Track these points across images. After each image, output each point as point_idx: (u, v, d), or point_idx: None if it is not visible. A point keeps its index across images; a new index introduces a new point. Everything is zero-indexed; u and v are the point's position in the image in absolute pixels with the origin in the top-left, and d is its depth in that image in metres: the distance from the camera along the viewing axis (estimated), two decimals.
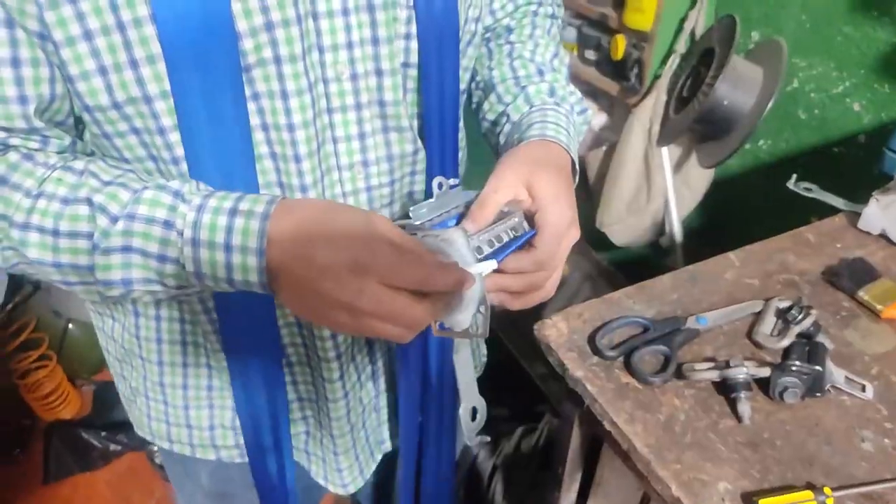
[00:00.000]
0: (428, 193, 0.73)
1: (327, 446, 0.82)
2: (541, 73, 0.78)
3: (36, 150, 0.57)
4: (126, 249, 0.53)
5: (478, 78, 0.82)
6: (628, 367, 0.78)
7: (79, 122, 0.60)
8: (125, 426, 1.85)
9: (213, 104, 0.55)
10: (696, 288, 0.89)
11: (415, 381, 0.86)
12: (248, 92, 0.57)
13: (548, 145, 0.68)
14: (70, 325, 1.96)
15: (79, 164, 0.56)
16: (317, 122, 0.61)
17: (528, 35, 0.82)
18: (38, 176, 0.55)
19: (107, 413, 1.87)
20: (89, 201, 0.53)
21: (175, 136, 0.57)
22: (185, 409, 0.78)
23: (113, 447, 1.82)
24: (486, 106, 0.79)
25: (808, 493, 0.65)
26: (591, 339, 0.81)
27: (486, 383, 1.11)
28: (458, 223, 0.63)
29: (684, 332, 0.81)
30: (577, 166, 0.71)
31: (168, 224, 0.52)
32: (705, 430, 0.72)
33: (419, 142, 0.70)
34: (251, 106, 0.58)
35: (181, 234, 0.52)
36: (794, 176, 1.05)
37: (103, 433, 1.83)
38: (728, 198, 1.66)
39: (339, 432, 0.79)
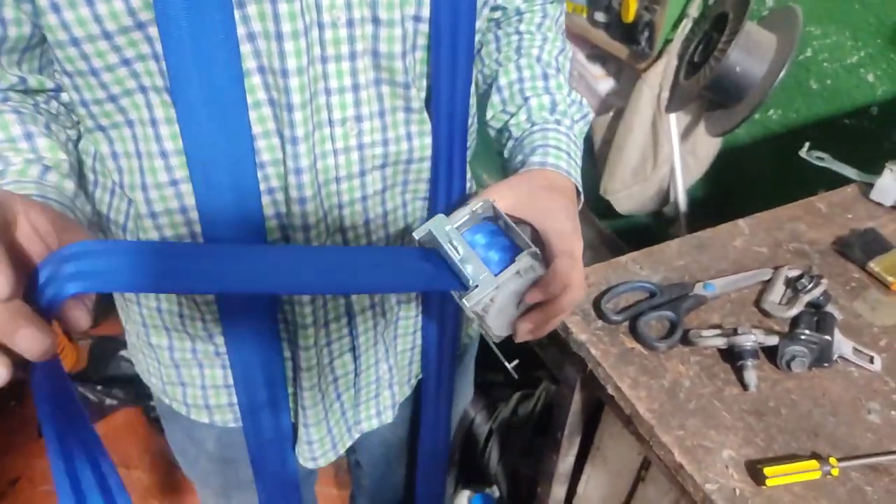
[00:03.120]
0: (434, 161, 0.71)
1: (298, 417, 0.80)
2: (546, 77, 0.75)
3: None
4: None
5: (485, 69, 0.79)
6: (633, 331, 0.77)
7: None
8: (121, 381, 1.85)
9: (201, 38, 0.53)
10: (703, 254, 0.87)
11: (412, 343, 0.85)
12: (243, 31, 0.54)
13: (549, 174, 0.67)
14: None
15: None
16: (310, 69, 0.58)
17: (538, 25, 0.79)
18: None
19: (103, 368, 1.87)
20: None
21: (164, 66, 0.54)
22: (175, 367, 0.77)
23: (109, 402, 1.82)
24: (490, 110, 0.77)
25: (814, 463, 0.64)
26: (596, 303, 0.79)
27: (483, 350, 1.11)
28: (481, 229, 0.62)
29: (691, 299, 0.80)
30: (580, 189, 0.70)
31: None
32: (710, 397, 0.71)
33: (419, 102, 0.66)
34: (247, 47, 0.55)
35: None
36: (807, 144, 1.03)
37: (99, 387, 1.82)
38: (735, 168, 1.64)
39: (311, 402, 0.77)
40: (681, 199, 1.58)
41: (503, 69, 0.76)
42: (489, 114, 0.77)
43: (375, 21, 0.60)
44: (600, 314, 0.78)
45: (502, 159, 0.77)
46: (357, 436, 0.86)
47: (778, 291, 0.81)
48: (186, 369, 0.76)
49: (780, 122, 1.51)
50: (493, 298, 0.59)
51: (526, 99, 0.74)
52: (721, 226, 0.92)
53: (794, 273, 0.82)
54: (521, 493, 1.35)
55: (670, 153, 1.54)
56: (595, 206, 1.76)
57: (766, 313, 0.79)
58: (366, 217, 0.69)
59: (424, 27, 0.63)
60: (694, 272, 0.85)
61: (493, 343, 0.65)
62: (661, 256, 0.87)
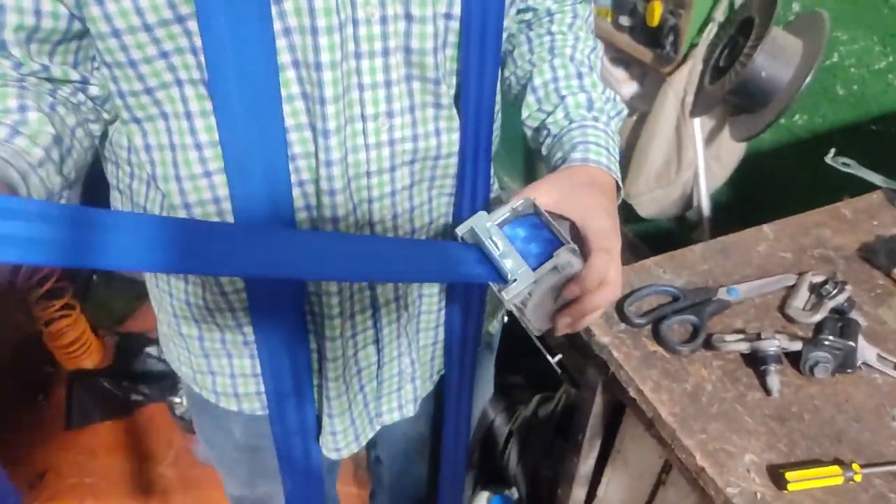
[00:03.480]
0: (461, 157, 0.72)
1: (323, 408, 0.81)
2: (580, 76, 0.76)
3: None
4: None
5: (518, 70, 0.80)
6: (656, 335, 0.77)
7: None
8: (147, 377, 1.88)
9: (239, 32, 0.54)
10: (727, 259, 0.87)
11: (434, 339, 0.86)
12: (279, 26, 0.56)
13: (591, 170, 0.68)
14: (94, 277, 1.98)
15: None
16: (343, 64, 0.60)
17: (569, 26, 0.80)
18: None
19: (129, 364, 1.90)
20: None
21: (203, 60, 0.56)
22: (204, 357, 0.78)
23: (134, 397, 1.85)
24: (525, 110, 0.77)
25: (836, 469, 0.64)
26: (619, 307, 0.80)
27: (503, 352, 1.12)
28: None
29: (714, 303, 0.80)
30: (621, 184, 0.71)
31: None
32: (732, 402, 0.71)
33: (448, 98, 0.68)
34: (282, 42, 0.57)
35: None
36: (833, 150, 1.03)
37: (125, 383, 1.85)
38: (759, 173, 1.63)
39: (336, 393, 0.78)
40: (704, 203, 1.57)
41: (537, 69, 0.76)
42: (525, 113, 0.77)
43: (408, 18, 0.61)
44: (623, 317, 0.79)
45: (540, 157, 0.77)
46: (378, 428, 0.87)
47: (802, 297, 0.81)
48: (216, 359, 0.78)
49: (805, 128, 1.51)
50: (530, 293, 0.60)
51: (562, 98, 0.74)
52: (745, 231, 0.92)
53: (819, 279, 0.81)
54: (541, 495, 1.35)
55: (694, 158, 1.54)
56: (618, 210, 1.76)
57: (789, 319, 0.79)
58: (394, 212, 0.70)
59: (455, 25, 0.64)
60: (717, 277, 0.85)
61: (534, 336, 0.66)
62: (685, 260, 0.87)
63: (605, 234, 0.63)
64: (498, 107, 0.77)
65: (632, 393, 0.74)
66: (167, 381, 1.82)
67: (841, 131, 1.43)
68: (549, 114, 0.75)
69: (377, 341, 0.79)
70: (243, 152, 0.60)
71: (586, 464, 0.93)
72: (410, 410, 0.88)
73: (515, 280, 0.58)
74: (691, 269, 0.86)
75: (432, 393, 0.96)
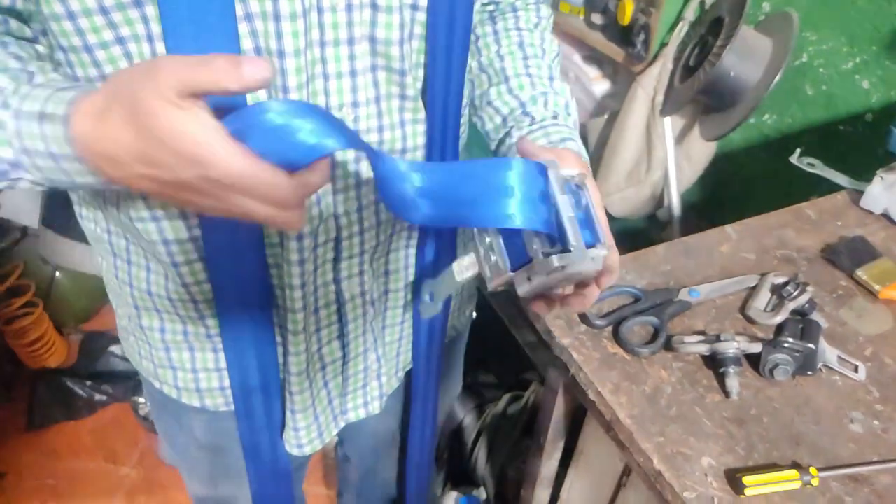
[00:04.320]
0: (427, 150, 0.70)
1: (286, 403, 0.80)
2: (551, 78, 0.77)
3: None
4: None
5: (482, 59, 0.79)
6: (616, 336, 0.76)
7: None
8: (111, 377, 1.84)
9: (200, 19, 0.52)
10: (690, 260, 0.87)
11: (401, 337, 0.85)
12: (241, 11, 0.54)
13: (583, 164, 0.65)
14: (57, 274, 1.94)
15: None
16: (308, 52, 0.58)
17: (535, 25, 0.80)
18: None
19: (93, 363, 1.86)
20: None
21: (160, 47, 0.54)
22: (165, 350, 0.76)
23: (98, 397, 1.81)
24: (493, 91, 0.77)
25: (794, 473, 0.63)
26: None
27: (475, 350, 1.11)
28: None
29: (675, 304, 0.79)
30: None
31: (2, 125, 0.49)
32: (691, 404, 0.71)
33: (414, 90, 0.67)
34: (244, 27, 0.55)
35: (11, 143, 0.48)
36: (798, 150, 1.03)
37: (88, 383, 1.82)
38: (729, 173, 1.64)
39: (298, 388, 0.77)
40: (675, 202, 1.57)
41: (510, 61, 0.76)
42: (493, 95, 0.76)
43: (374, 6, 0.60)
44: (584, 319, 0.78)
45: (503, 137, 0.75)
46: (343, 425, 0.86)
47: (763, 298, 0.80)
48: (177, 352, 0.76)
49: (774, 128, 1.51)
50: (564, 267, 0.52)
51: (543, 94, 0.74)
52: (708, 231, 0.91)
53: (781, 280, 0.81)
54: (508, 496, 1.34)
55: (664, 157, 1.54)
56: None
57: (750, 320, 0.79)
58: (358, 204, 0.69)
59: (422, 16, 0.63)
60: (680, 278, 0.84)
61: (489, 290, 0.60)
62: (648, 261, 0.86)
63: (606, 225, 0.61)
64: (466, 100, 0.76)
65: (591, 395, 0.73)
66: (131, 381, 1.79)
67: (810, 131, 1.43)
68: (526, 102, 0.74)
69: (342, 336, 0.78)
70: None
71: (549, 465, 0.92)
72: (376, 408, 0.87)
73: (570, 251, 0.50)
74: (654, 269, 0.85)
75: (400, 390, 0.95)
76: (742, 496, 0.62)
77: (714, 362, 0.73)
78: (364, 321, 0.78)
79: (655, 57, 1.51)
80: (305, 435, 0.81)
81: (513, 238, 0.52)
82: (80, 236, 1.96)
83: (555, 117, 0.73)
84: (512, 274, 0.52)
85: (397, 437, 1.09)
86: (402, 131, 0.68)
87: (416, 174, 0.52)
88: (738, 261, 0.87)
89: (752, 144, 1.58)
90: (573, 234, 0.51)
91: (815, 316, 0.78)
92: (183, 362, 0.77)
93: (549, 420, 0.85)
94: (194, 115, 0.42)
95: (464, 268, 0.57)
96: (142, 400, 1.63)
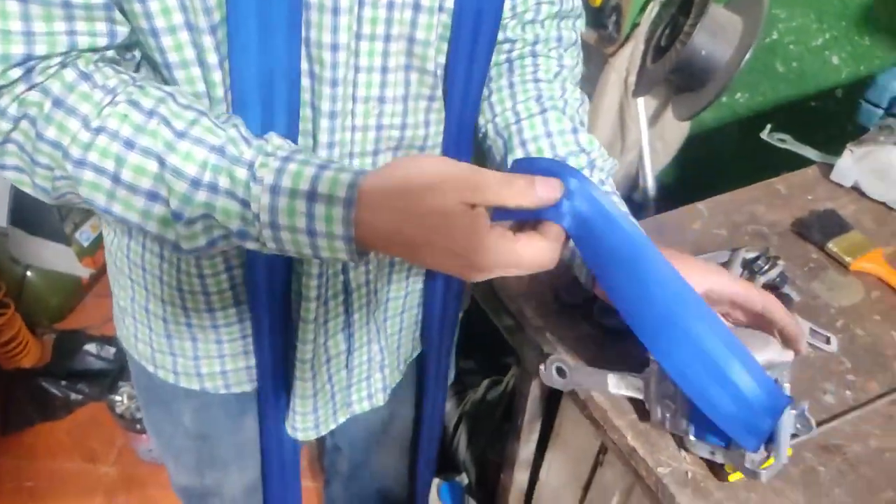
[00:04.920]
0: (444, 147, 0.71)
1: (290, 386, 0.80)
2: (574, 131, 0.72)
3: (102, 49, 0.54)
4: (207, 218, 0.52)
5: (497, 119, 0.74)
6: (591, 315, 0.76)
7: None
8: (86, 376, 1.82)
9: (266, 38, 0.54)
10: (662, 238, 0.86)
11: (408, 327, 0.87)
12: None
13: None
14: (28, 273, 1.91)
15: (147, 103, 0.52)
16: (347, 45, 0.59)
17: (556, 74, 0.75)
18: (96, 102, 0.51)
19: (68, 362, 1.83)
20: (161, 160, 0.51)
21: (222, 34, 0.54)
22: (167, 338, 0.76)
23: (74, 397, 1.79)
24: (511, 158, 0.73)
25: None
26: (555, 288, 0.78)
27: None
28: None
29: None
30: None
31: (245, 203, 0.51)
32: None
33: (439, 90, 0.67)
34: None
35: (258, 217, 0.51)
36: (769, 126, 1.03)
37: (64, 382, 1.79)
38: (704, 152, 1.64)
39: (301, 376, 0.77)
40: (650, 183, 1.57)
41: (527, 122, 0.72)
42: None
43: (416, 7, 0.60)
44: (557, 298, 0.77)
45: None
46: (343, 419, 0.86)
47: (735, 273, 0.80)
48: (179, 341, 0.76)
49: (746, 106, 1.52)
50: None
51: (564, 159, 0.71)
52: (680, 208, 0.91)
53: (752, 255, 0.81)
54: (489, 481, 1.34)
55: (638, 137, 1.53)
56: None
57: None
58: None
59: (445, 17, 0.62)
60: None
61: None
62: None
63: (740, 290, 0.64)
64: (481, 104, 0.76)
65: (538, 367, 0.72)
66: (107, 380, 1.76)
67: (781, 108, 1.44)
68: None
69: (347, 327, 0.78)
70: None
71: (527, 448, 0.92)
72: (380, 399, 0.87)
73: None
74: None
75: (402, 381, 0.94)
76: (725, 482, 0.62)
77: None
78: (367, 311, 0.78)
79: (627, 38, 1.50)
80: (301, 421, 0.81)
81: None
82: (51, 234, 1.93)
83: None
84: (692, 437, 0.61)
85: (391, 430, 1.09)
86: (425, 130, 0.69)
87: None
88: (709, 237, 0.87)
89: (725, 123, 1.58)
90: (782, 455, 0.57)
91: (787, 289, 0.78)
92: (184, 350, 0.77)
93: (525, 402, 0.85)
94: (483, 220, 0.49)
95: (616, 384, 0.65)
96: (118, 398, 1.61)
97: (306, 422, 0.82)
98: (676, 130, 1.58)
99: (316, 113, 0.61)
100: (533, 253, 0.50)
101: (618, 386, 0.65)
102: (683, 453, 0.64)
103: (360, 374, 0.84)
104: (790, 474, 0.63)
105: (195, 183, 0.51)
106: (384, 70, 0.62)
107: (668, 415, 0.62)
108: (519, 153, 0.72)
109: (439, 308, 0.86)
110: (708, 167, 1.65)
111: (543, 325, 0.75)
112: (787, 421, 0.56)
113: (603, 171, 0.72)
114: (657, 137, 1.58)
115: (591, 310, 0.76)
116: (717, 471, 0.62)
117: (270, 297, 0.71)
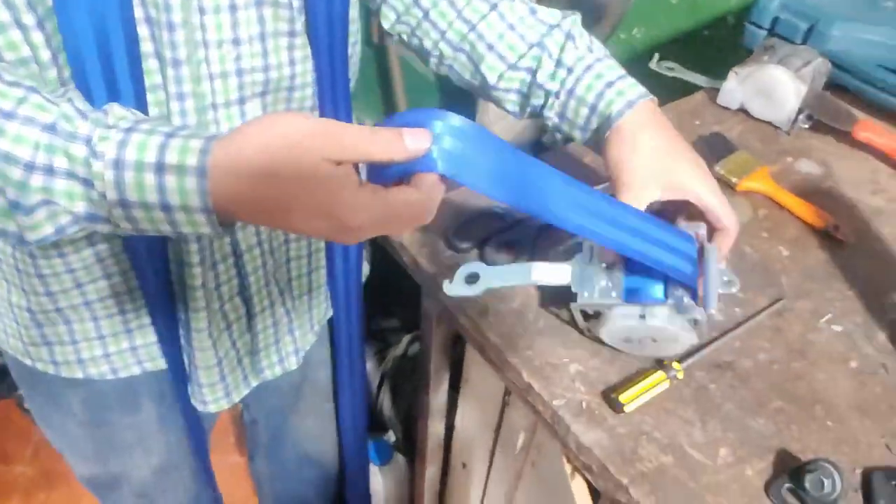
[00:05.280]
0: (319, 87, 0.67)
1: (190, 359, 0.77)
2: (534, 12, 0.69)
3: None
4: (49, 204, 0.46)
5: (447, 34, 0.70)
6: (482, 258, 0.74)
7: None
8: None
9: None
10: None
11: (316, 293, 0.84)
12: None
13: (640, 119, 0.66)
14: None
15: None
16: None
17: None
18: None
19: None
20: None
21: None
22: (37, 327, 0.71)
23: None
24: (491, 73, 0.70)
25: (660, 374, 0.63)
26: (445, 234, 0.77)
27: (375, 295, 1.08)
28: None
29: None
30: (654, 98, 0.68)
31: (88, 182, 0.46)
32: (558, 315, 0.70)
33: (299, 24, 0.63)
34: None
35: (104, 196, 0.46)
36: (657, 56, 1.02)
37: None
38: None
39: (199, 345, 0.74)
40: None
41: (484, 24, 0.69)
42: (492, 77, 0.70)
43: None
44: (448, 244, 0.76)
45: (547, 125, 0.72)
46: (255, 384, 0.84)
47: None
48: (52, 327, 0.71)
49: (644, 41, 1.51)
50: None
51: (538, 43, 0.67)
52: (572, 143, 0.90)
53: None
54: (414, 435, 1.34)
55: None
56: None
57: None
58: None
59: None
60: None
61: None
62: None
63: (713, 201, 0.64)
64: (353, 38, 0.72)
65: (461, 320, 0.71)
66: (9, 376, 1.68)
67: (677, 40, 1.44)
68: (531, 70, 0.69)
69: (243, 291, 0.75)
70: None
71: (438, 397, 0.91)
72: (293, 363, 0.85)
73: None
74: None
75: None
76: (622, 413, 0.62)
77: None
78: (265, 273, 0.75)
79: None
80: (210, 393, 0.78)
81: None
82: None
83: (569, 70, 0.67)
84: (621, 302, 0.61)
85: (305, 395, 1.07)
86: (290, 70, 0.64)
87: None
88: (602, 171, 0.86)
89: (626, 60, 1.57)
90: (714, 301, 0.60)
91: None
92: (60, 335, 0.72)
93: (429, 351, 0.84)
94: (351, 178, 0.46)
95: (544, 273, 0.62)
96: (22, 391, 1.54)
97: (215, 392, 0.79)
98: None
99: (162, 62, 0.56)
100: (408, 207, 0.47)
101: (543, 273, 0.62)
102: (577, 384, 0.64)
103: (266, 339, 0.81)
104: (682, 394, 0.64)
105: (29, 167, 0.45)
106: (233, 8, 0.58)
107: (597, 287, 0.61)
108: (491, 59, 0.69)
109: (341, 263, 0.83)
110: None
111: (437, 272, 0.73)
112: (711, 255, 0.62)
113: (583, 36, 0.69)
114: None
115: (483, 252, 0.74)
116: (612, 403, 0.62)
117: (151, 265, 0.67)
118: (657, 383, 0.63)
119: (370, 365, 1.42)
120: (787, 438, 0.61)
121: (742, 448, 0.60)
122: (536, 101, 0.70)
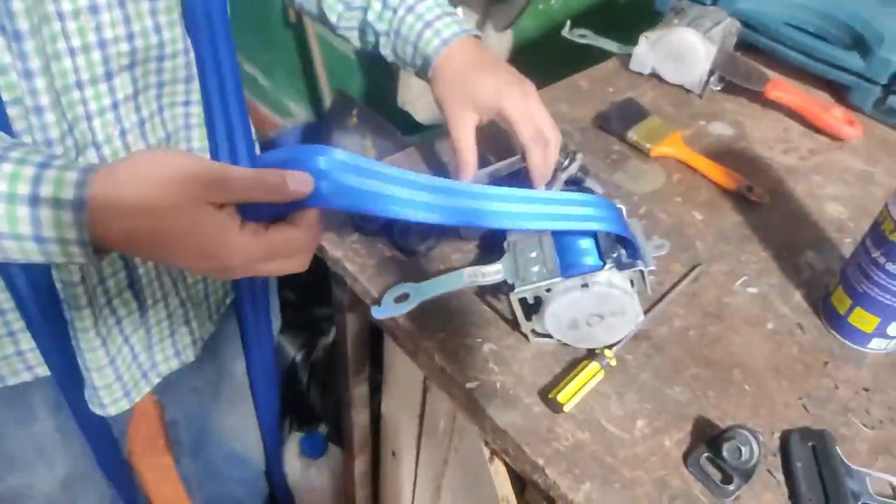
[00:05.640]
0: (198, 56, 0.64)
1: (83, 362, 0.72)
2: None
3: None
4: None
5: None
6: (392, 238, 0.71)
7: None
8: None
9: None
10: None
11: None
12: None
13: (453, 49, 0.69)
14: None
15: None
16: None
17: None
18: None
19: None
20: None
21: None
22: None
23: None
24: (331, 14, 0.74)
25: (595, 364, 0.60)
26: (351, 217, 0.73)
27: (305, 285, 1.04)
28: None
29: None
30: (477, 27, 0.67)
31: None
32: (471, 293, 0.67)
33: None
34: None
35: None
36: (569, 23, 1.00)
37: None
38: (530, 64, 1.61)
39: (88, 346, 0.69)
40: None
41: None
42: (332, 17, 0.73)
43: None
44: (356, 226, 0.72)
45: (381, 60, 0.77)
46: (157, 381, 0.80)
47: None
48: None
49: (561, 11, 1.49)
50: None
51: None
52: None
53: None
54: None
55: None
56: (396, 120, 1.69)
57: None
58: (120, 128, 0.62)
59: None
60: (455, 168, 0.80)
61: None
62: (422, 156, 0.81)
63: (522, 109, 0.66)
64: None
65: (370, 304, 0.68)
66: None
67: (593, 8, 1.43)
68: (363, 9, 0.72)
69: (132, 284, 0.70)
70: None
71: (359, 387, 0.88)
72: (190, 355, 0.82)
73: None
74: (430, 163, 0.80)
75: (217, 338, 0.89)
76: (563, 412, 0.58)
77: (494, 247, 0.70)
78: (155, 264, 0.71)
79: None
80: (107, 395, 0.74)
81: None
82: None
83: (394, 11, 0.70)
84: (561, 279, 0.59)
85: (223, 390, 1.02)
86: (157, 37, 0.60)
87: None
88: (511, 141, 0.83)
89: (545, 31, 1.56)
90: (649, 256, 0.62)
91: (590, 183, 0.77)
92: None
93: (345, 340, 0.80)
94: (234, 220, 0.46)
95: (476, 275, 0.62)
96: None
97: (112, 393, 0.74)
98: (500, 45, 1.55)
99: (6, 37, 0.51)
100: (289, 245, 0.47)
101: (475, 276, 0.62)
102: (491, 364, 0.61)
103: (161, 332, 0.77)
104: (618, 381, 0.61)
105: None
106: None
107: (533, 272, 0.60)
108: (402, 11, 0.71)
109: None
110: (536, 79, 1.63)
111: (342, 257, 0.69)
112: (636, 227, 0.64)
113: None
114: None
115: (391, 234, 0.71)
116: (551, 404, 0.58)
117: (25, 266, 0.61)
118: (592, 373, 0.60)
119: (300, 356, 1.37)
120: (704, 405, 0.60)
121: (659, 419, 0.59)
122: (371, 39, 0.74)
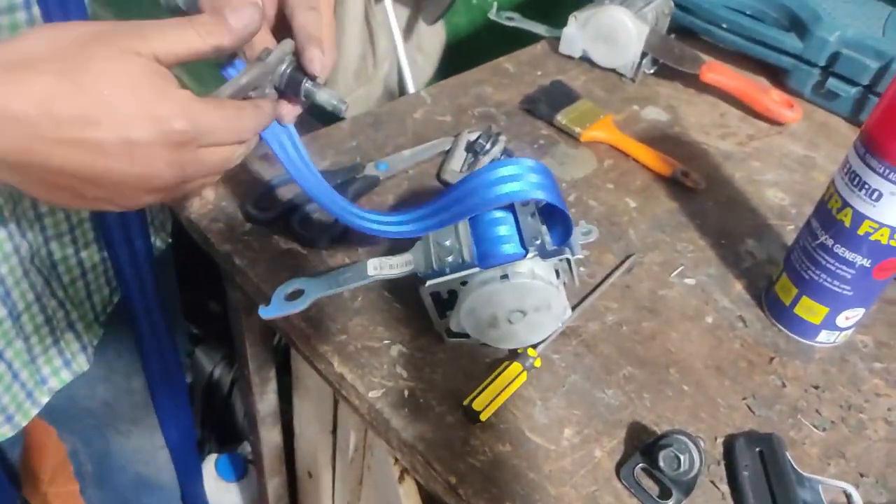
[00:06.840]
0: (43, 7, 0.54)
1: None
2: None
3: None
4: None
5: None
6: (289, 230, 0.63)
7: None
8: None
9: None
10: (379, 132, 0.75)
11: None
12: None
13: None
14: None
15: None
16: None
17: None
18: None
19: None
20: None
21: None
22: None
23: None
24: None
25: (517, 365, 0.53)
26: (244, 205, 0.64)
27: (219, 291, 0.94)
28: None
29: (360, 181, 0.67)
30: None
31: None
32: (379, 289, 0.59)
33: None
34: None
35: None
36: (495, 5, 0.94)
37: None
38: (464, 59, 1.55)
39: None
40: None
41: None
42: None
43: None
44: (248, 216, 0.63)
45: None
46: (46, 399, 0.71)
47: (459, 158, 0.70)
48: None
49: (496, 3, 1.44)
50: None
51: None
52: (400, 99, 0.81)
53: (474, 136, 0.72)
54: None
55: (389, 47, 1.41)
56: (324, 118, 1.61)
57: (446, 184, 0.69)
58: None
59: None
60: (368, 152, 0.72)
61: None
62: (330, 140, 0.73)
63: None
64: None
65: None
66: None
67: (528, 1, 1.37)
68: None
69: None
70: None
71: (266, 400, 0.79)
72: (83, 363, 0.73)
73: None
74: (337, 147, 0.72)
75: (107, 350, 0.79)
76: (480, 422, 0.50)
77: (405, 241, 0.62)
78: (19, 259, 0.62)
79: None
80: None
81: None
82: None
83: None
84: (478, 269, 0.52)
85: (121, 409, 0.92)
86: None
87: None
88: (433, 125, 0.76)
89: (479, 25, 1.51)
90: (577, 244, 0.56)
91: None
92: None
93: (244, 350, 0.71)
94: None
95: (383, 267, 0.54)
96: None
97: None
98: (433, 39, 1.48)
99: None
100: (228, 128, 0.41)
101: (381, 268, 0.54)
102: (399, 369, 0.53)
103: (42, 341, 0.68)
104: (544, 381, 0.54)
105: None
106: None
107: (446, 263, 0.52)
108: None
109: (119, 231, 0.70)
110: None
111: (231, 250, 0.61)
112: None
113: None
114: (416, 49, 1.47)
115: (287, 224, 0.63)
116: (468, 413, 0.51)
117: None
118: (514, 374, 0.53)
119: (219, 370, 1.27)
120: (639, 409, 0.53)
121: (589, 426, 0.51)
122: None
